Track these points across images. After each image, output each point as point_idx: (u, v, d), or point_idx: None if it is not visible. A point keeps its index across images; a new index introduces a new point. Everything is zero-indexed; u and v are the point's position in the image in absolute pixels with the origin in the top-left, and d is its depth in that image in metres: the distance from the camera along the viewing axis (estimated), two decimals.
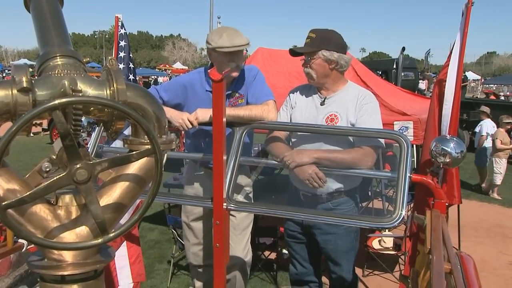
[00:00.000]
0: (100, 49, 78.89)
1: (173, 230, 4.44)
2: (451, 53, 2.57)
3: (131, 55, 4.59)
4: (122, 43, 4.37)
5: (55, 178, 0.99)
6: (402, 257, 4.69)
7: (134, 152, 1.06)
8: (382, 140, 2.52)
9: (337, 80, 2.64)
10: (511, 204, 7.80)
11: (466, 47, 2.61)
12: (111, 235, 1.05)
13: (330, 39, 2.59)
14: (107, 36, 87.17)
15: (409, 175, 1.92)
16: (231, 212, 2.54)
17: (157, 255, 5.09)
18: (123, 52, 4.36)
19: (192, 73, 3.16)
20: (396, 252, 4.73)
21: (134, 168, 1.16)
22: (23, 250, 2.11)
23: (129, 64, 4.46)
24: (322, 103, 2.64)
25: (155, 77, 35.25)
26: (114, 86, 1.10)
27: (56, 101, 0.92)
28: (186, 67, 51.11)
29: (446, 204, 2.03)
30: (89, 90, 1.10)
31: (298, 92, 2.78)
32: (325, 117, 2.58)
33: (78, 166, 0.99)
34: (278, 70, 5.49)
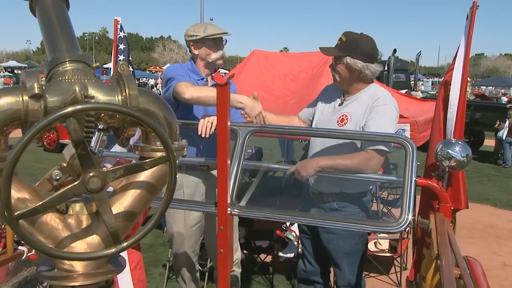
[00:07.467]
0: (90, 51, 78.37)
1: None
2: (455, 56, 2.57)
3: (130, 58, 4.54)
4: (121, 46, 4.31)
5: (68, 187, 0.96)
6: (398, 259, 4.70)
7: (147, 160, 1.03)
8: (391, 145, 2.46)
9: (361, 88, 2.61)
10: (504, 205, 7.88)
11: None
12: (125, 244, 1.02)
13: (358, 46, 2.51)
14: (96, 38, 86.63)
15: (414, 179, 1.91)
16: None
17: (152, 258, 5.03)
18: (122, 55, 4.30)
19: (175, 66, 3.35)
20: (391, 254, 4.73)
21: (145, 175, 1.13)
22: (23, 257, 2.07)
23: (128, 67, 4.42)
24: (340, 104, 2.65)
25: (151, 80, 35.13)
26: (126, 91, 1.06)
27: (70, 108, 0.88)
28: None
29: (452, 208, 2.02)
30: (99, 96, 1.06)
31: (326, 91, 2.81)
32: (337, 118, 2.58)
33: (91, 174, 0.95)
34: (273, 72, 5.48)
